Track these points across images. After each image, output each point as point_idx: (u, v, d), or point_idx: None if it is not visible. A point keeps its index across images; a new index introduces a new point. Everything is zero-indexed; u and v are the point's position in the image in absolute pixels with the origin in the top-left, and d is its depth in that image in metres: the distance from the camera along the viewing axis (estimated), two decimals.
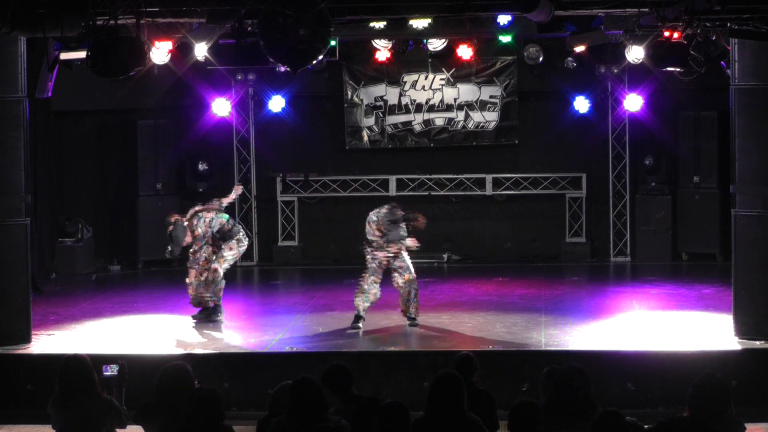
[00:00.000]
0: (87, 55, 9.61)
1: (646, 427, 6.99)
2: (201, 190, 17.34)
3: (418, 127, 17.41)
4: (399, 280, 12.32)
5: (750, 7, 10.39)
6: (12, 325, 11.63)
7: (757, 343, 11.24)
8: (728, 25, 10.80)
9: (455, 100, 17.30)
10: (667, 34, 11.01)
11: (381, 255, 12.25)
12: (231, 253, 12.75)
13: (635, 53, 13.02)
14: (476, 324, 12.55)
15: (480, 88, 17.23)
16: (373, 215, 12.36)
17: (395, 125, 17.43)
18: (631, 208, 17.21)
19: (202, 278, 12.60)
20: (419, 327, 12.37)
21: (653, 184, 17.04)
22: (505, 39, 14.92)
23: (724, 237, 15.20)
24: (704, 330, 12.05)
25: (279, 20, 9.44)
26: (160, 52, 12.45)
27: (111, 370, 7.87)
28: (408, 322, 12.40)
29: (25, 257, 11.76)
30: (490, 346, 11.45)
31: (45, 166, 15.58)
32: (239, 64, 14.13)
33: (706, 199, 16.65)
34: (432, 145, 17.47)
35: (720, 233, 16.27)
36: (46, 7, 9.50)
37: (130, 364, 8.04)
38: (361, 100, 17.36)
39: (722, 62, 12.95)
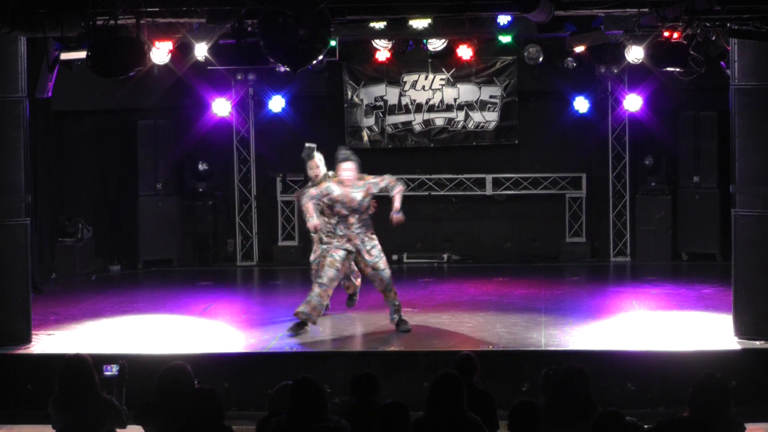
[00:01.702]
0: (87, 55, 9.60)
1: (646, 427, 6.99)
2: (201, 190, 17.38)
3: (418, 127, 17.41)
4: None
5: (750, 7, 10.38)
6: (12, 325, 11.62)
7: (757, 343, 11.23)
8: (728, 25, 10.80)
9: (455, 100, 17.30)
10: (667, 34, 11.01)
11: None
12: None
13: (635, 53, 13.02)
14: (476, 324, 12.55)
15: (480, 88, 17.23)
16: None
17: (395, 125, 17.43)
18: (631, 208, 17.21)
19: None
20: (420, 327, 12.36)
21: (653, 184, 17.04)
22: (505, 39, 14.93)
23: (724, 237, 15.21)
24: (704, 330, 12.04)
25: (279, 20, 9.43)
26: (160, 52, 12.44)
27: (111, 370, 7.88)
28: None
29: (25, 257, 11.75)
30: (490, 346, 11.44)
31: (45, 166, 15.57)
32: (239, 64, 14.12)
33: (706, 199, 16.65)
34: (432, 145, 17.47)
35: (720, 233, 16.27)
36: (46, 7, 9.49)
37: (130, 364, 8.04)
38: (361, 100, 17.37)
39: (722, 62, 12.95)
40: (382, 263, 11.93)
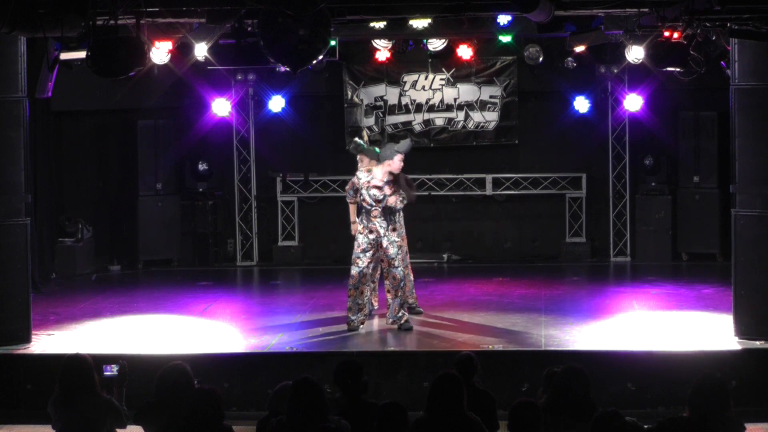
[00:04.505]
0: (87, 55, 9.59)
1: (646, 427, 6.98)
2: (201, 190, 17.37)
3: (418, 127, 17.41)
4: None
5: (750, 7, 10.39)
6: (12, 325, 11.63)
7: (757, 343, 11.24)
8: (728, 25, 10.80)
9: (455, 100, 17.30)
10: (667, 34, 11.00)
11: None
12: None
13: (635, 53, 13.00)
14: (476, 324, 12.55)
15: (480, 88, 17.23)
16: None
17: (395, 125, 17.43)
18: (631, 208, 17.21)
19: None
20: (420, 327, 12.37)
21: (653, 184, 17.04)
22: (505, 39, 14.91)
23: (724, 237, 15.21)
24: (704, 330, 12.04)
25: (279, 20, 9.44)
26: (160, 52, 12.44)
27: (111, 370, 7.88)
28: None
29: (25, 257, 11.75)
30: (490, 346, 11.45)
31: (45, 166, 15.58)
32: (239, 64, 14.13)
33: (706, 199, 16.65)
34: (432, 145, 17.46)
35: (720, 233, 16.27)
36: (46, 7, 9.49)
37: (130, 364, 8.05)
38: (361, 100, 17.37)
39: (722, 62, 12.94)
40: (397, 261, 12.06)
